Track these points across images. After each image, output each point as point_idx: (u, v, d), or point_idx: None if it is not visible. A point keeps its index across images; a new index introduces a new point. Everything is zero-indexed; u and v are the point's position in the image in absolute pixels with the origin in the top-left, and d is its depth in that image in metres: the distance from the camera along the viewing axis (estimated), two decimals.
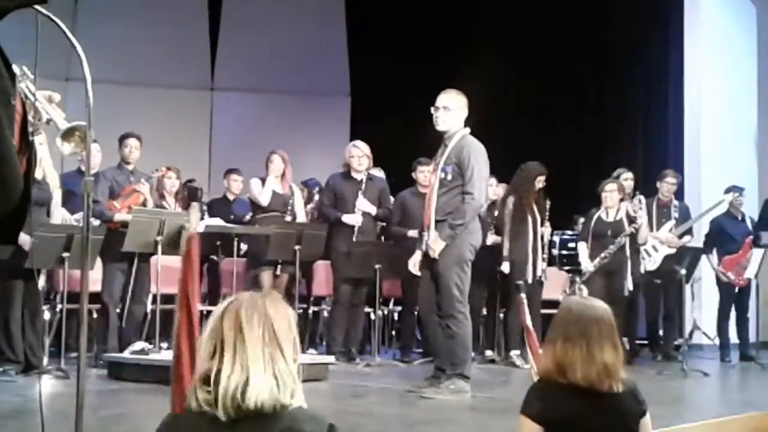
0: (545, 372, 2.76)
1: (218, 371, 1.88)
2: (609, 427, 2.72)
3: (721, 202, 8.88)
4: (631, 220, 8.16)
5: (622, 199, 8.31)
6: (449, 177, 5.88)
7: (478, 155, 5.91)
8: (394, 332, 9.49)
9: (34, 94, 2.67)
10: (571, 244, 8.75)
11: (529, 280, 7.95)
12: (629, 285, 8.10)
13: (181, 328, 2.69)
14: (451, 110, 5.94)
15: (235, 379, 1.87)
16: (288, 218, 7.87)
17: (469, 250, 5.87)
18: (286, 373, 1.93)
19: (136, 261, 7.05)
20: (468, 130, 6.02)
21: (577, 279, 8.22)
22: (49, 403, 5.05)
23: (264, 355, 1.91)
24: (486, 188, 6.10)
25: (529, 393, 2.74)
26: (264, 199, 7.82)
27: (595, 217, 8.23)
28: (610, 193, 8.22)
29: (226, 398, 1.86)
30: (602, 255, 7.98)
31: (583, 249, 8.26)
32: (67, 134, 3.07)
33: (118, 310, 7.11)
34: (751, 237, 8.84)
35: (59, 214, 6.86)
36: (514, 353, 7.94)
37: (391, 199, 8.38)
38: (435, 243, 5.82)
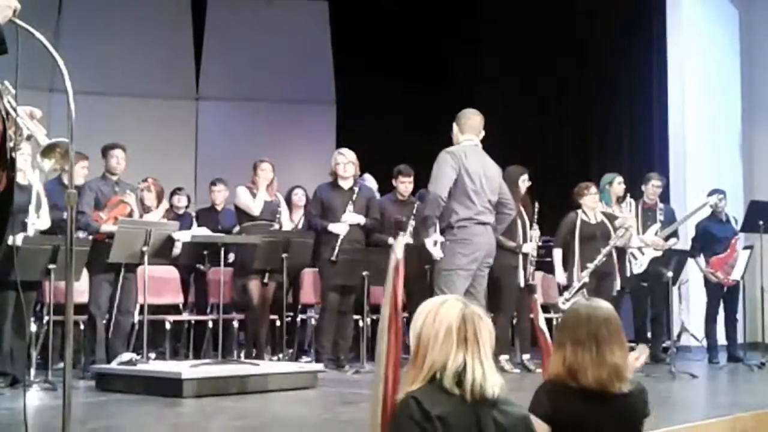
0: (554, 375, 2.77)
1: (465, 367, 2.34)
2: (618, 429, 2.75)
3: (704, 205, 8.93)
4: (611, 219, 8.21)
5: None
6: None
7: (441, 159, 6.25)
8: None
9: (16, 109, 2.67)
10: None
11: (521, 284, 7.97)
12: (617, 285, 8.17)
13: (390, 348, 2.73)
14: (453, 130, 6.46)
15: (479, 374, 2.34)
16: (275, 226, 7.87)
17: (458, 259, 6.02)
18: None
19: (122, 272, 7.03)
20: (461, 144, 6.37)
21: (575, 284, 8.08)
22: (36, 415, 5.04)
23: (489, 354, 2.40)
24: (445, 184, 6.14)
25: (538, 393, 2.75)
26: (256, 209, 7.82)
27: (579, 221, 8.23)
28: (592, 195, 8.26)
29: (474, 389, 2.33)
30: (598, 257, 7.94)
31: (558, 255, 8.28)
32: (48, 150, 3.06)
33: (105, 321, 7.08)
34: (737, 237, 8.90)
35: (47, 219, 6.80)
36: (525, 357, 7.96)
37: None
38: (429, 247, 6.33)
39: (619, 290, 8.46)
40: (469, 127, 6.40)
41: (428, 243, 6.31)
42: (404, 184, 8.37)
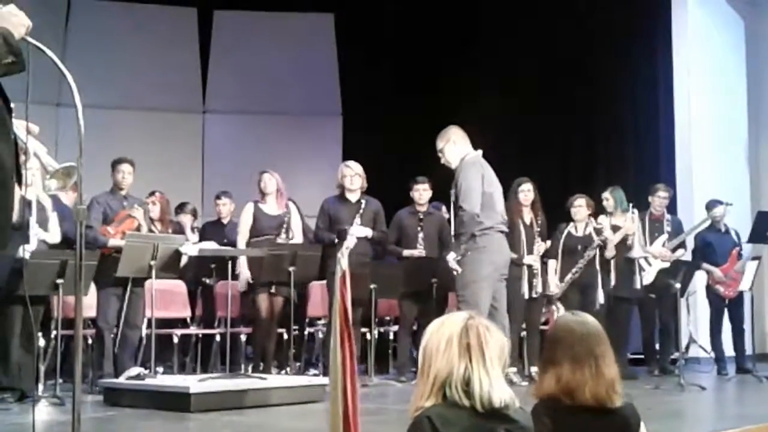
0: (547, 394, 2.73)
1: (470, 376, 2.33)
2: None
3: (711, 217, 8.91)
4: (598, 232, 8.23)
5: (590, 214, 8.39)
6: (453, 199, 6.36)
7: (466, 171, 6.22)
8: (390, 352, 9.46)
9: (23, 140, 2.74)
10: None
11: (525, 296, 7.98)
12: (600, 299, 8.15)
13: (345, 360, 2.75)
14: (445, 150, 6.40)
15: (486, 383, 2.33)
16: (282, 238, 7.83)
17: (483, 267, 6.03)
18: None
19: (129, 286, 7.03)
20: (470, 154, 6.36)
21: (553, 297, 8.22)
22: (45, 430, 5.03)
23: (497, 365, 2.38)
24: (478, 198, 6.15)
25: (535, 411, 2.71)
26: (244, 232, 7.84)
27: (565, 232, 8.27)
28: (579, 208, 8.30)
29: (483, 398, 2.32)
30: (573, 270, 8.05)
31: (551, 266, 8.30)
32: (54, 171, 3.13)
33: (113, 336, 7.08)
34: (738, 248, 8.88)
35: (57, 232, 6.81)
36: (534, 370, 7.95)
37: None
38: (451, 263, 6.31)
39: (626, 301, 8.48)
40: (463, 139, 6.41)
41: (451, 258, 6.34)
42: (418, 192, 8.32)
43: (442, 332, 2.40)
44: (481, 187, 6.17)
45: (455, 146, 6.36)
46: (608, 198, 8.69)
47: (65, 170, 3.13)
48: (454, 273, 6.33)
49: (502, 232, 6.31)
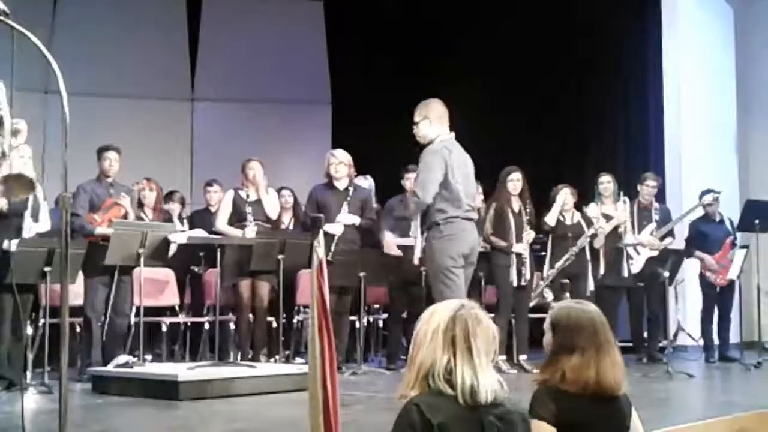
0: (556, 380, 2.73)
1: (452, 369, 2.34)
2: (617, 429, 2.77)
3: (698, 205, 8.94)
4: (589, 223, 8.27)
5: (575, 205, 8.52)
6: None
7: (426, 157, 6.02)
8: (379, 339, 9.48)
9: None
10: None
11: (514, 284, 7.99)
12: (590, 286, 8.23)
13: (324, 350, 2.74)
14: (420, 125, 6.13)
15: (469, 377, 2.32)
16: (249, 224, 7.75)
17: (449, 257, 5.90)
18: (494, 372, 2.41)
19: (116, 274, 7.01)
20: (438, 139, 6.08)
21: (541, 283, 8.27)
22: (33, 419, 5.02)
23: (483, 357, 2.37)
24: (432, 188, 6.00)
25: (539, 396, 2.71)
26: (222, 219, 7.79)
27: (557, 221, 8.35)
28: (562, 195, 8.34)
29: (464, 391, 2.32)
30: (565, 258, 8.11)
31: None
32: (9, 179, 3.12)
33: (100, 324, 7.06)
34: (731, 237, 8.91)
35: (47, 220, 6.78)
36: (522, 358, 7.97)
37: (375, 207, 8.42)
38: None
39: (614, 290, 8.53)
40: (440, 119, 6.11)
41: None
42: (410, 181, 8.23)
43: (431, 322, 2.41)
44: (441, 176, 5.97)
45: (430, 126, 6.08)
46: (609, 182, 8.74)
47: (24, 180, 3.10)
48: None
49: (469, 219, 6.14)
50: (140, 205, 7.98)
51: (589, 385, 2.69)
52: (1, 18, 2.82)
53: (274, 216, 7.86)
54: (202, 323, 8.41)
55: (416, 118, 6.15)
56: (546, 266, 8.29)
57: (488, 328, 2.42)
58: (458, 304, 2.45)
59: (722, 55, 10.90)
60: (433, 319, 2.41)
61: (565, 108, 11.69)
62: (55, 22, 11.86)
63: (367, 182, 8.61)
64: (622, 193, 8.71)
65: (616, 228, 8.55)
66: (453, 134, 6.16)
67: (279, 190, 8.86)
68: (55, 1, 12.00)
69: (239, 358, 7.71)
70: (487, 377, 2.36)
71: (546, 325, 2.87)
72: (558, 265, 8.14)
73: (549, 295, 7.95)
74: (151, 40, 12.24)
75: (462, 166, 6.12)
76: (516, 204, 8.17)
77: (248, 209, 7.75)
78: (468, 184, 6.16)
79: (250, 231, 7.66)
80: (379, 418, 5.21)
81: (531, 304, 8.21)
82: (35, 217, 6.63)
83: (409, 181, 8.15)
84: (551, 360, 2.79)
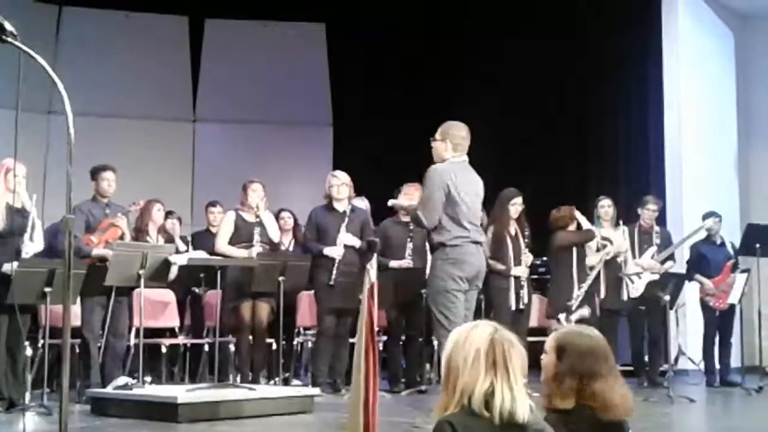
0: (565, 407, 2.72)
1: (493, 391, 2.36)
2: None
3: (700, 228, 8.94)
4: (598, 248, 8.27)
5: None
6: None
7: (428, 179, 5.99)
8: (380, 362, 9.43)
9: None
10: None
11: (512, 308, 7.96)
12: (596, 310, 8.20)
13: (369, 374, 2.75)
14: (437, 145, 6.11)
15: (508, 400, 2.35)
16: (255, 245, 7.73)
17: (453, 279, 5.89)
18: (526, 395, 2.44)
19: (113, 295, 6.94)
20: (446, 162, 6.05)
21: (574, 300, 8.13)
22: None
23: (519, 379, 2.41)
24: (436, 211, 5.95)
25: (550, 421, 2.67)
26: (223, 240, 7.78)
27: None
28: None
29: (502, 413, 2.35)
30: (585, 282, 8.02)
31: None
32: None
33: (99, 345, 7.02)
34: (732, 261, 8.89)
35: (40, 240, 6.73)
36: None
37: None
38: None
39: (614, 313, 8.51)
40: (458, 145, 6.07)
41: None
42: (408, 196, 8.19)
43: (468, 346, 2.42)
44: (442, 196, 5.96)
45: (445, 148, 6.11)
46: (610, 206, 8.73)
47: None
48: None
49: (476, 242, 6.12)
50: (142, 228, 7.93)
51: (602, 410, 2.68)
52: (9, 39, 2.84)
53: (276, 239, 7.86)
54: (202, 345, 8.39)
55: (437, 136, 6.13)
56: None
57: (521, 350, 2.45)
58: (491, 327, 2.47)
59: (723, 79, 10.93)
60: (469, 343, 2.42)
61: (565, 133, 11.71)
62: (59, 43, 11.91)
63: (363, 203, 8.58)
64: (621, 222, 8.73)
65: (616, 255, 8.56)
66: (466, 159, 6.14)
67: (278, 212, 8.87)
68: (59, 23, 12.06)
69: (239, 380, 7.68)
70: (524, 400, 2.39)
71: (548, 347, 2.81)
72: (580, 291, 8.03)
73: (586, 311, 7.91)
74: (153, 62, 12.27)
75: (470, 191, 6.09)
76: (513, 227, 8.15)
77: (256, 229, 7.74)
78: (477, 209, 6.18)
79: (256, 252, 7.65)
80: None
81: (573, 319, 8.05)
82: (29, 235, 6.58)
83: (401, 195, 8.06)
84: (560, 385, 2.74)
